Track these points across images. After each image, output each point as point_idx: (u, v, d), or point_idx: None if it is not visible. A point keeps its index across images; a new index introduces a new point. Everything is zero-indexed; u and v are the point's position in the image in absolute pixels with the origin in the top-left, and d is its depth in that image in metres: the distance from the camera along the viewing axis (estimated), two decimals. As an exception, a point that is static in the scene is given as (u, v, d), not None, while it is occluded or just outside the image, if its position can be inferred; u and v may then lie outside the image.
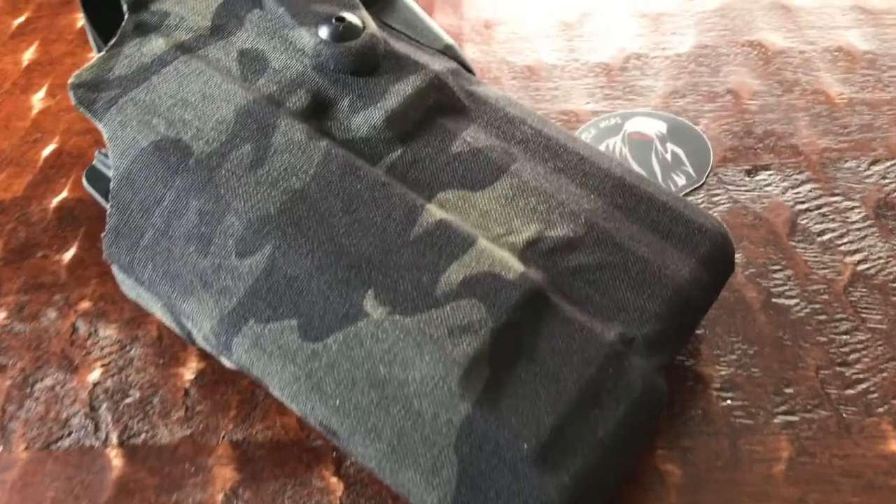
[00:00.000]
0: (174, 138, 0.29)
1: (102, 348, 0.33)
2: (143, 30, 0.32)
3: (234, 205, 0.28)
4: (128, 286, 0.30)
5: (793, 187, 0.37)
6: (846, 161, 0.38)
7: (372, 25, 0.32)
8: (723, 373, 0.31)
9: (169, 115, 0.30)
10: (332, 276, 0.27)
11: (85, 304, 0.35)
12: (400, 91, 0.31)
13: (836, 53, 0.43)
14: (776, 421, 0.30)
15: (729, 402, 0.30)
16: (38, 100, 0.45)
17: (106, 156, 0.36)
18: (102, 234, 0.29)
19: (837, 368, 0.31)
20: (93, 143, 0.43)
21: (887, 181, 0.37)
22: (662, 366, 0.27)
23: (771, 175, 0.38)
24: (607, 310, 0.27)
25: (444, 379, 0.25)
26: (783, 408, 0.30)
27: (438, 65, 0.32)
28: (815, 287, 0.33)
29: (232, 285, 0.27)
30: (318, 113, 0.31)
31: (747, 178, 0.38)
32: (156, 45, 0.32)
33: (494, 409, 0.24)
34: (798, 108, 0.41)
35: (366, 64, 0.31)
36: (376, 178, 0.29)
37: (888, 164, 0.38)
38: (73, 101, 0.30)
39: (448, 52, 0.34)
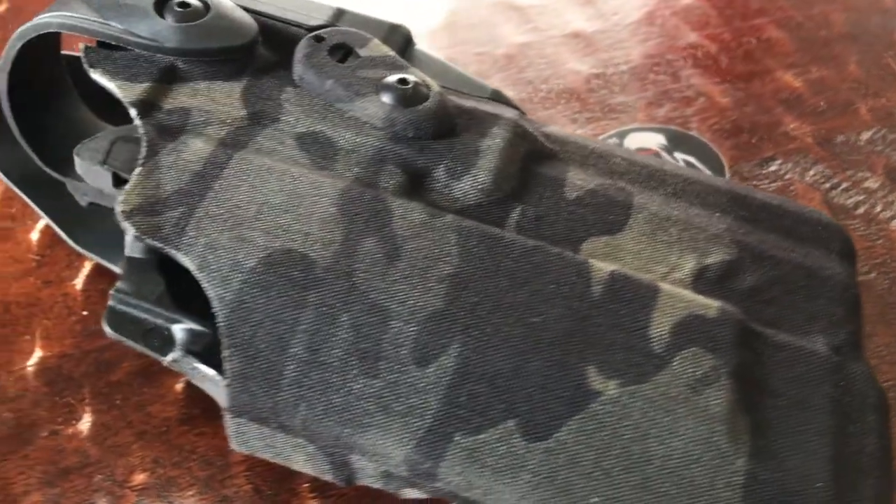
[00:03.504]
0: (284, 249, 0.24)
1: (191, 524, 0.27)
2: (168, 133, 0.27)
3: (394, 308, 0.24)
4: (250, 437, 0.25)
5: (807, 170, 0.38)
6: (837, 137, 0.40)
7: (433, 83, 0.29)
8: (854, 360, 0.31)
9: (262, 225, 0.25)
10: (542, 362, 0.23)
11: (140, 477, 0.28)
12: (493, 147, 0.28)
13: (769, 41, 0.46)
14: (928, 392, 0.30)
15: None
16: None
17: (126, 293, 0.29)
18: (225, 384, 0.24)
19: (948, 331, 0.32)
20: (41, 286, 0.35)
21: (881, 147, 0.40)
22: (868, 366, 0.26)
23: (781, 164, 0.39)
24: (800, 324, 0.26)
25: (708, 440, 0.23)
26: (925, 379, 0.31)
27: (507, 112, 0.30)
28: (881, 259, 0.35)
29: (419, 402, 0.23)
30: (415, 187, 0.27)
31: (763, 172, 0.38)
32: (195, 147, 0.26)
33: (772, 457, 0.23)
34: (767, 97, 0.42)
35: (444, 125, 0.28)
36: (524, 244, 0.26)
37: (871, 132, 0.40)
38: (132, 231, 0.25)
39: (497, 97, 0.31)
